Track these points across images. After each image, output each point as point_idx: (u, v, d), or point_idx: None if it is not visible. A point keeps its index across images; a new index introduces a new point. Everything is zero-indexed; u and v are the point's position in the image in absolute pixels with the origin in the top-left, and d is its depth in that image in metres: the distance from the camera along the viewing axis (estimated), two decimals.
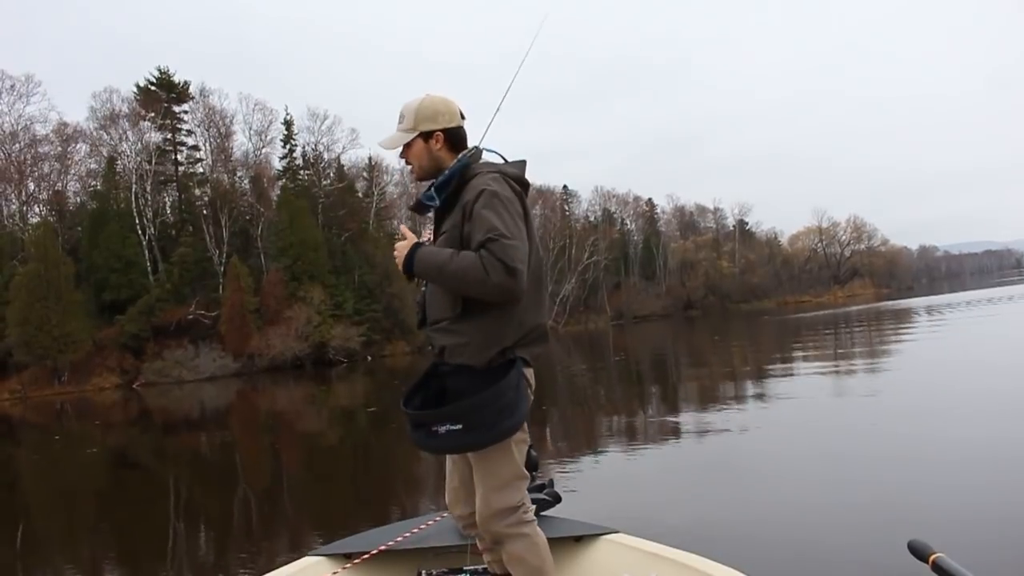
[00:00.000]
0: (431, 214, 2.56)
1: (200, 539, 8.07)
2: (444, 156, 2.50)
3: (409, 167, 2.57)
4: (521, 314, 2.41)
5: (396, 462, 10.84)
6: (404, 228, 2.42)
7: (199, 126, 53.88)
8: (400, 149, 2.55)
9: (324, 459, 12.63)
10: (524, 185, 2.50)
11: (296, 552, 4.81)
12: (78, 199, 52.61)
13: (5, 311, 41.55)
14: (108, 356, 44.14)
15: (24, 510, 10.73)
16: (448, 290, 2.39)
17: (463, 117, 2.57)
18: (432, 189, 2.49)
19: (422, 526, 3.49)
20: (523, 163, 2.59)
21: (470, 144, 2.58)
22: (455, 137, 2.52)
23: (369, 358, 46.56)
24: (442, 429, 2.35)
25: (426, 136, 2.48)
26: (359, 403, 22.32)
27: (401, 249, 2.42)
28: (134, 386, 42.06)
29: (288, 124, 55.07)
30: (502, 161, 2.57)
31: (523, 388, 2.41)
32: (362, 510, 8.47)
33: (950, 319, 30.12)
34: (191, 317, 45.71)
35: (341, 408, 21.88)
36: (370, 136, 60.47)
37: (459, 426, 2.33)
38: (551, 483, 3.81)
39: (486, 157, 2.56)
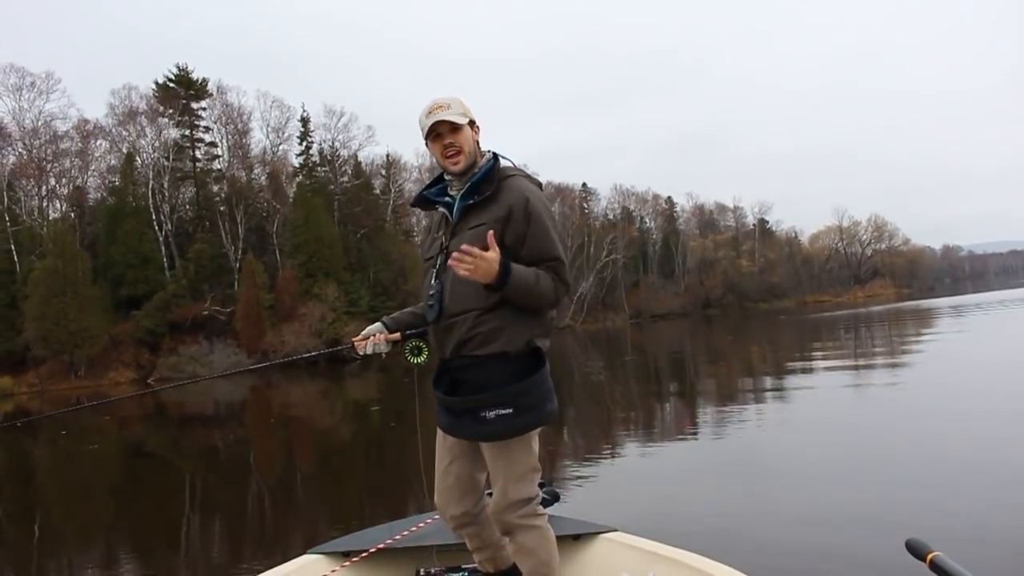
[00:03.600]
0: (442, 209, 2.62)
1: (191, 535, 7.89)
2: (478, 150, 2.58)
3: (451, 155, 2.52)
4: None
5: (401, 459, 10.67)
6: (492, 236, 2.33)
7: (216, 122, 54.16)
8: (433, 134, 2.54)
9: (333, 456, 12.54)
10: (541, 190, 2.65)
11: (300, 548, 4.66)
12: (100, 194, 52.98)
13: (23, 305, 41.87)
14: (124, 351, 44.42)
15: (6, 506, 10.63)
16: (520, 303, 2.45)
17: None
18: (467, 185, 2.53)
19: (420, 524, 3.48)
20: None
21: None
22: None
23: (383, 355, 46.27)
24: (491, 414, 2.40)
25: (471, 126, 2.56)
26: (368, 401, 22.09)
27: (491, 260, 2.31)
28: (149, 381, 42.17)
29: (305, 121, 55.19)
30: (513, 165, 2.64)
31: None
32: (367, 507, 8.37)
33: (971, 320, 29.63)
34: (206, 313, 45.89)
35: (353, 406, 21.66)
36: (387, 134, 60.66)
37: (509, 410, 2.40)
38: (550, 481, 3.73)
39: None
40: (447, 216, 2.60)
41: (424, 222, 2.95)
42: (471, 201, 2.51)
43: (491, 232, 2.34)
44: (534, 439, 2.57)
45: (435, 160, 2.61)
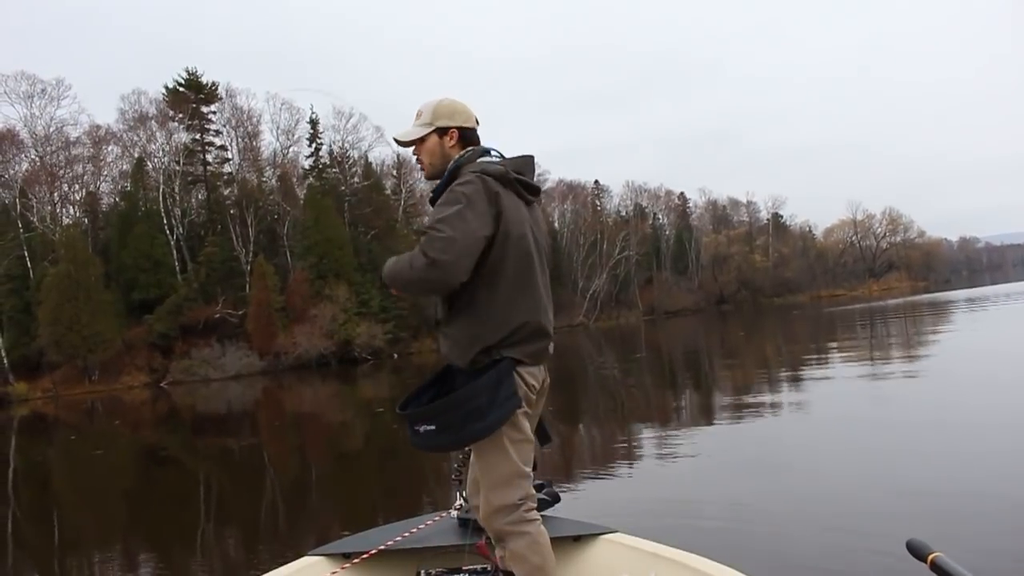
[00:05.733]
0: None
1: (197, 536, 7.78)
2: (455, 155, 2.54)
3: (420, 164, 2.60)
4: (503, 312, 2.41)
5: (404, 461, 10.64)
6: None
7: (226, 126, 54.27)
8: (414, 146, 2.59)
9: (339, 459, 12.52)
10: (506, 181, 2.46)
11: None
12: (113, 199, 53.22)
13: (37, 311, 42.04)
14: (137, 355, 44.54)
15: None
16: (410, 293, 2.48)
17: (477, 123, 2.63)
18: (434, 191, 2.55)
19: (421, 526, 3.45)
20: (522, 160, 2.59)
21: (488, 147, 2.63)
22: (468, 137, 2.57)
23: (396, 356, 46.32)
24: (422, 428, 2.42)
25: (441, 133, 2.53)
26: (376, 402, 21.99)
27: None
28: (162, 384, 42.29)
29: (314, 123, 55.12)
30: (498, 159, 2.56)
31: (503, 390, 2.38)
32: (371, 508, 8.34)
33: (986, 313, 29.41)
34: (218, 316, 45.97)
35: (363, 407, 21.58)
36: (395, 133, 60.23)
37: (432, 426, 2.40)
38: (550, 483, 3.69)
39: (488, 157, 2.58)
40: None
41: None
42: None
43: None
44: (513, 444, 2.45)
45: None
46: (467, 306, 2.41)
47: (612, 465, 8.74)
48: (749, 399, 13.00)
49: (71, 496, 11.63)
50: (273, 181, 55.65)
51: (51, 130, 50.19)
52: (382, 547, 3.24)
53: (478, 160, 2.53)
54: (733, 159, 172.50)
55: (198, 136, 52.79)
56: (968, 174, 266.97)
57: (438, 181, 2.56)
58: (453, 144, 2.55)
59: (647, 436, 10.54)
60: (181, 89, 52.15)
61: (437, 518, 3.50)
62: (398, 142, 2.58)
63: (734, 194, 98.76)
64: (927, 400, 10.60)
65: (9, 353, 42.70)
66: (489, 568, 3.02)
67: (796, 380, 15.02)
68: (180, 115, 51.91)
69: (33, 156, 50.03)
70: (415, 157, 2.59)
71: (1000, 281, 71.18)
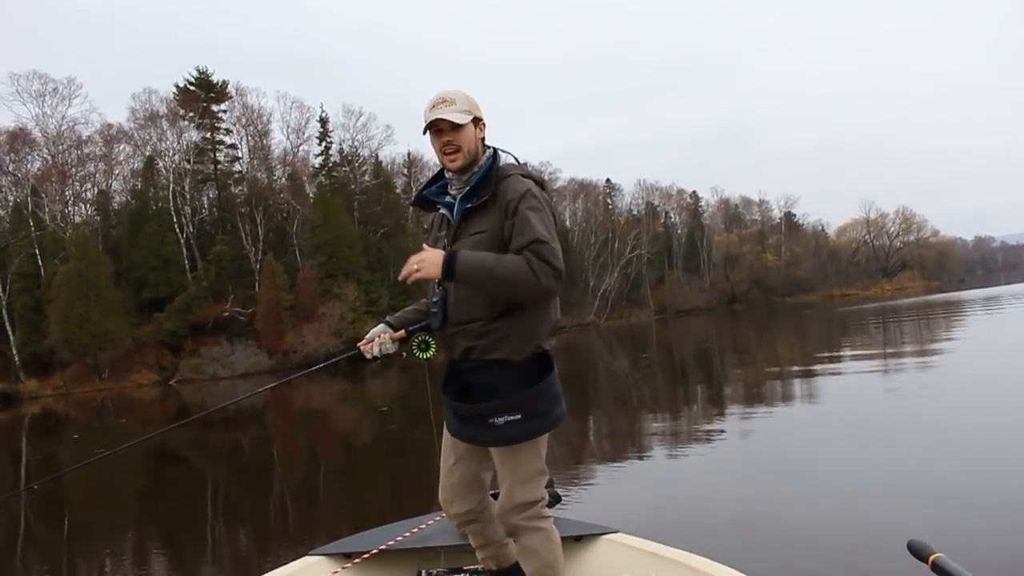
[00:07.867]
0: (443, 210, 2.60)
1: (190, 536, 7.69)
2: (480, 147, 2.54)
3: (450, 152, 2.49)
4: (552, 309, 2.53)
5: (404, 461, 10.66)
6: (426, 246, 2.46)
7: (236, 124, 54.35)
8: (434, 128, 2.50)
9: (350, 455, 12.52)
10: (544, 188, 2.60)
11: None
12: (124, 197, 53.45)
13: (48, 309, 42.25)
14: (146, 353, 44.73)
15: None
16: (491, 292, 2.41)
17: None
18: (466, 188, 2.51)
19: (422, 526, 3.48)
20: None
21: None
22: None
23: (404, 355, 46.13)
24: (500, 420, 2.41)
25: (476, 123, 2.52)
26: (380, 402, 21.90)
27: (430, 259, 2.36)
28: (171, 383, 42.36)
29: (324, 121, 55.18)
30: (516, 162, 2.61)
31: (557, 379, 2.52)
32: (379, 506, 8.31)
33: (998, 314, 29.26)
34: (227, 314, 46.06)
35: (366, 406, 21.48)
36: (406, 132, 60.20)
37: (518, 416, 2.40)
38: (551, 482, 3.69)
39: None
40: (448, 218, 2.59)
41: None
42: (470, 204, 2.49)
43: (426, 244, 2.48)
44: (543, 443, 2.57)
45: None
46: (532, 305, 2.45)
47: (619, 464, 8.65)
48: (758, 399, 12.88)
49: (78, 493, 11.53)
50: (283, 180, 55.81)
51: (63, 129, 50.49)
52: (383, 547, 3.25)
53: (508, 161, 2.59)
54: (745, 158, 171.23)
55: (208, 135, 52.92)
56: (984, 172, 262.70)
57: (467, 174, 2.53)
58: (482, 136, 2.56)
59: (654, 436, 10.42)
60: (191, 88, 52.38)
61: (438, 518, 3.45)
62: (449, 122, 2.44)
63: (746, 193, 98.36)
64: (937, 400, 10.49)
65: (20, 351, 42.95)
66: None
67: (807, 380, 14.88)
68: (190, 114, 52.06)
69: (45, 155, 50.33)
70: (444, 141, 2.47)
71: (1016, 281, 70.48)
